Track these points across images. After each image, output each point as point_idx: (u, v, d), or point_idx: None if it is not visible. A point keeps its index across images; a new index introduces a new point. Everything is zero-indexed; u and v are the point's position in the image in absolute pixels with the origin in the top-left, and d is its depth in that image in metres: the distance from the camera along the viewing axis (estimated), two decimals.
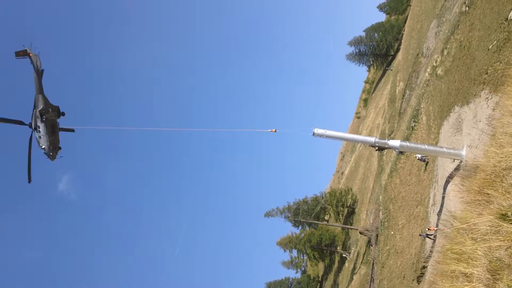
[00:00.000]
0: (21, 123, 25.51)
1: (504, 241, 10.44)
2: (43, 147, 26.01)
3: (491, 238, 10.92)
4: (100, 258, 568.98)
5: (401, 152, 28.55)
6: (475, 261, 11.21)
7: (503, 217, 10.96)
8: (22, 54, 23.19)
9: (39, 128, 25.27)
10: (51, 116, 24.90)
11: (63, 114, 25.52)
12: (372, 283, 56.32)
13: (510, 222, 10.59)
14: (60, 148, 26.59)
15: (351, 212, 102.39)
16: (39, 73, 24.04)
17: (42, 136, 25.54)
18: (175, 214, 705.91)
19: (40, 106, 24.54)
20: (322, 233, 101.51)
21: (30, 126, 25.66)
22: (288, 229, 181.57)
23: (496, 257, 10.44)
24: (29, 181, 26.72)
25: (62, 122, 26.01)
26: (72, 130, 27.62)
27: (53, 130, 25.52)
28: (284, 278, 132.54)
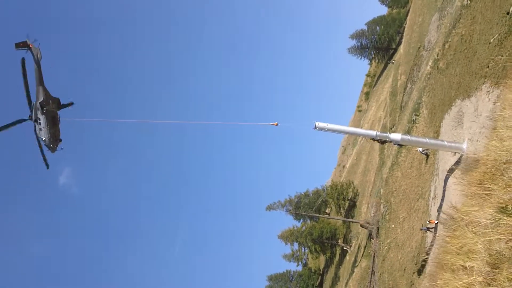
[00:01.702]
0: (20, 121, 25.60)
1: (504, 234, 10.50)
2: (43, 139, 26.05)
3: (491, 231, 10.98)
4: (101, 253, 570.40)
5: (399, 145, 28.57)
6: (475, 254, 11.27)
7: (503, 210, 11.02)
8: (22, 45, 23.19)
9: (39, 120, 25.28)
10: (51, 108, 24.93)
11: (64, 106, 25.58)
12: (373, 276, 56.50)
13: (510, 216, 10.64)
14: (61, 140, 26.65)
15: (352, 206, 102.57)
16: (40, 65, 24.05)
17: (42, 128, 25.56)
18: (176, 208, 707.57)
19: (41, 98, 24.56)
20: (323, 226, 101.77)
21: (30, 118, 25.69)
22: (290, 222, 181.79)
23: (496, 250, 10.50)
24: (47, 167, 27.30)
25: (63, 113, 26.09)
26: (71, 103, 27.60)
27: (53, 122, 25.54)
28: (285, 271, 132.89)
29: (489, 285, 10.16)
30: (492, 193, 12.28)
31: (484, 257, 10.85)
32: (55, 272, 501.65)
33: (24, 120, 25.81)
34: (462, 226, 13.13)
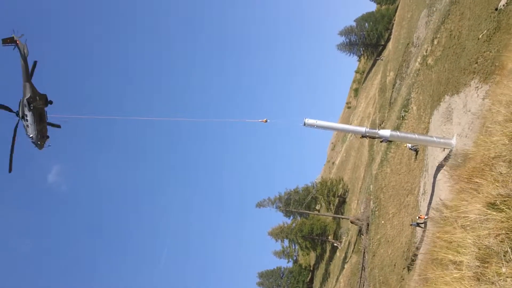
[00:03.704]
0: (8, 109, 25.17)
1: (493, 229, 10.53)
2: (30, 136, 25.75)
3: (480, 226, 11.01)
4: (89, 252, 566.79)
5: (388, 141, 28.64)
6: (465, 249, 11.30)
7: (492, 205, 11.04)
8: (9, 41, 22.83)
9: (26, 116, 24.98)
10: (38, 104, 24.63)
11: (51, 102, 25.24)
12: (363, 271, 56.73)
13: (499, 211, 10.67)
14: (48, 137, 26.36)
15: (342, 202, 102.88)
16: (27, 61, 23.71)
17: (29, 125, 25.26)
18: (166, 206, 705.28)
19: (28, 94, 24.25)
20: (313, 222, 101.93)
21: (17, 114, 25.36)
22: (280, 219, 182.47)
23: (485, 245, 10.53)
24: (10, 170, 26.09)
25: (50, 110, 25.75)
26: (59, 126, 27.32)
27: (41, 119, 25.26)
28: (276, 268, 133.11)
29: (478, 279, 10.19)
30: (481, 188, 12.32)
31: (473, 252, 10.88)
32: (42, 272, 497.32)
33: (11, 111, 25.41)
34: (451, 222, 13.17)
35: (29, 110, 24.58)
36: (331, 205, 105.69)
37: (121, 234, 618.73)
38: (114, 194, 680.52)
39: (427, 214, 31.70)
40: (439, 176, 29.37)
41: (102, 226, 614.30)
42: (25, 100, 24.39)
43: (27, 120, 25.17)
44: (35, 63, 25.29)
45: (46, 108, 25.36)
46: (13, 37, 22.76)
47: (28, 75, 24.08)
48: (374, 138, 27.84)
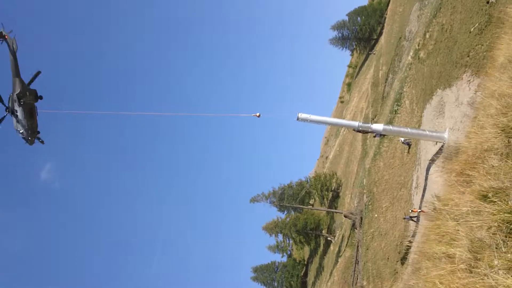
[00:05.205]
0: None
1: (485, 221, 10.54)
2: (21, 131, 25.59)
3: (473, 219, 11.03)
4: (82, 250, 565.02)
5: (381, 135, 28.67)
6: (457, 241, 11.32)
7: (484, 198, 11.06)
8: None
9: (16, 112, 24.81)
10: (28, 100, 24.45)
11: (41, 97, 25.06)
12: (357, 265, 56.97)
13: (491, 203, 10.69)
14: (38, 132, 26.19)
15: (336, 196, 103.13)
16: (16, 56, 23.49)
17: (20, 121, 25.10)
18: (160, 201, 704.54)
19: (17, 90, 24.06)
20: (307, 217, 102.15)
21: (7, 110, 25.17)
22: (274, 214, 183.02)
23: (477, 238, 10.55)
24: None
25: (40, 105, 25.59)
26: (43, 142, 27.16)
27: (31, 114, 25.10)
28: (270, 262, 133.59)
29: (471, 272, 10.21)
30: (473, 181, 12.35)
31: (465, 244, 10.89)
32: (33, 271, 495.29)
33: (2, 103, 25.18)
34: (443, 214, 13.19)
35: (19, 105, 24.41)
36: (325, 199, 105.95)
37: (115, 229, 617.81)
38: (107, 191, 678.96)
39: (420, 207, 31.84)
40: (432, 169, 29.49)
41: (95, 222, 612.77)
42: (15, 96, 24.20)
43: (17, 116, 24.99)
44: (38, 72, 25.15)
45: (36, 104, 25.21)
46: (1, 31, 22.55)
47: (18, 70, 23.86)
48: (367, 132, 27.91)
